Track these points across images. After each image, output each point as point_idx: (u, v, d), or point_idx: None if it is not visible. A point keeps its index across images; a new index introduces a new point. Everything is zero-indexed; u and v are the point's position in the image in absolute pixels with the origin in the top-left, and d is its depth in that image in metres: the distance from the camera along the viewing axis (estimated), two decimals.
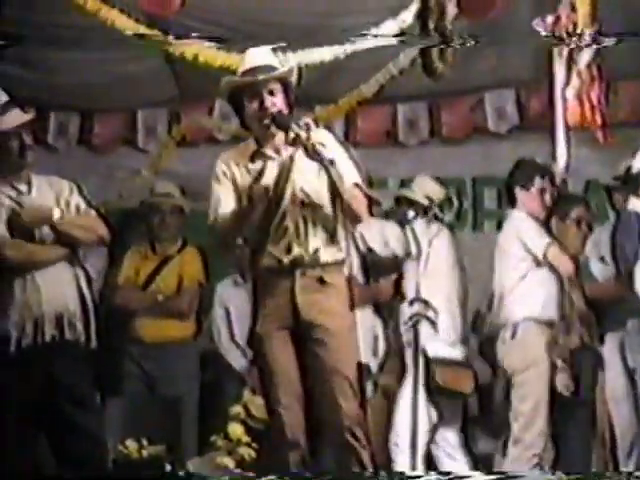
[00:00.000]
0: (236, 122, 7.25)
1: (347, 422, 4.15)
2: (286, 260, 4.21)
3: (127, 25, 5.86)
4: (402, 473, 5.58)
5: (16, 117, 4.72)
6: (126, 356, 6.53)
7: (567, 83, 5.93)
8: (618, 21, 5.81)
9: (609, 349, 5.66)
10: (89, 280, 4.94)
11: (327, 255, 4.24)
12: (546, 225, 5.85)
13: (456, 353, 6.01)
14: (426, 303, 5.96)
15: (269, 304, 4.26)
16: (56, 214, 4.73)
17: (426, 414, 5.92)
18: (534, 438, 5.65)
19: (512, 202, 5.99)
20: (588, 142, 6.11)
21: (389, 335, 6.00)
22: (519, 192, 5.85)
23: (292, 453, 4.19)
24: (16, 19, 5.96)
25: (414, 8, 5.66)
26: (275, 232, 4.23)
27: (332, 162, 4.14)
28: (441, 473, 5.64)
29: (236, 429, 6.20)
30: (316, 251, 4.22)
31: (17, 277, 4.67)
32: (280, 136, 4.27)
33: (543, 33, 5.88)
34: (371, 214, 4.73)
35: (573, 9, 5.74)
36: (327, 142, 4.25)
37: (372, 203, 4.55)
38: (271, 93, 4.27)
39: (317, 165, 4.19)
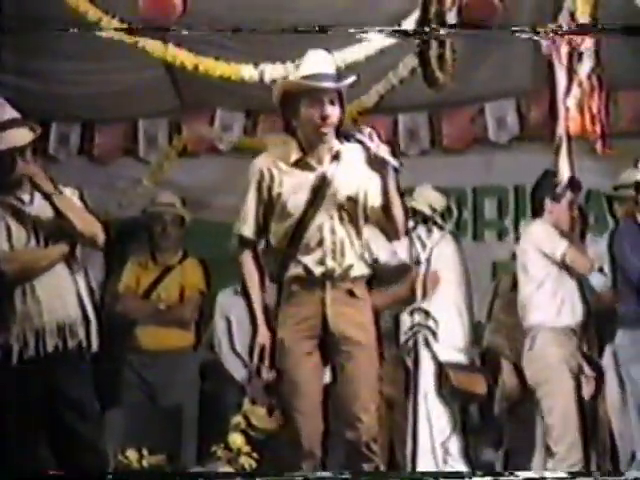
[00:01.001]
0: (237, 132, 7.48)
1: (365, 437, 4.16)
2: (317, 272, 4.20)
3: (127, 35, 5.86)
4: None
5: (24, 136, 4.70)
6: (126, 365, 6.53)
7: (568, 93, 5.93)
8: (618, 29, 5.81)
9: (606, 359, 5.67)
10: (90, 287, 4.93)
11: (357, 270, 4.25)
12: (569, 237, 5.85)
13: (462, 358, 6.01)
14: (427, 313, 5.97)
15: (296, 313, 4.23)
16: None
17: (439, 421, 5.90)
18: (567, 450, 5.60)
19: (536, 213, 5.96)
20: (588, 152, 6.11)
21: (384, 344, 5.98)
22: (549, 203, 5.83)
23: (306, 463, 4.19)
24: (16, 29, 5.96)
25: (414, 17, 5.67)
26: (309, 243, 4.21)
27: (397, 170, 4.12)
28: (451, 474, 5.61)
29: (236, 439, 6.19)
30: (350, 267, 4.22)
31: (16, 288, 4.65)
32: (328, 147, 4.22)
33: (543, 42, 5.89)
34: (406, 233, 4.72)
35: (573, 18, 5.75)
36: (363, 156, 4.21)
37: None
38: (332, 102, 4.21)
39: (367, 178, 4.18)
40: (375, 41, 5.86)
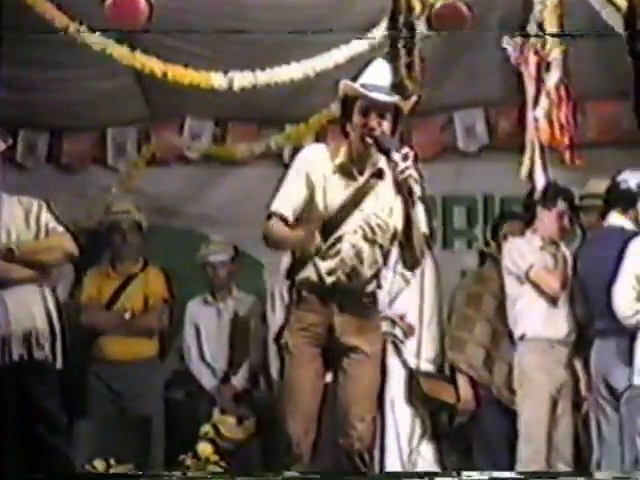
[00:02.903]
0: (206, 141, 7.48)
1: (358, 445, 4.17)
2: (328, 281, 4.20)
3: (95, 42, 5.84)
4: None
5: None
6: (93, 376, 6.49)
7: (536, 103, 5.96)
8: (585, 39, 5.86)
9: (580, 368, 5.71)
10: (57, 299, 4.92)
11: (369, 287, 4.24)
12: (556, 246, 5.87)
13: (432, 368, 6.02)
14: (393, 322, 5.98)
15: (303, 318, 4.23)
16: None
17: (409, 427, 5.91)
18: (529, 456, 5.63)
19: (528, 222, 5.96)
20: (557, 162, 6.14)
21: None
22: (541, 212, 5.85)
23: (294, 466, 4.18)
24: None
25: (383, 25, 5.68)
26: (327, 250, 4.20)
27: (423, 200, 4.12)
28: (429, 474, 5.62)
29: (205, 448, 6.18)
30: (361, 283, 4.21)
31: None
32: (372, 161, 4.20)
33: (512, 52, 5.92)
34: None
35: (541, 28, 5.78)
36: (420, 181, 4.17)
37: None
38: (381, 115, 4.18)
39: (397, 201, 4.16)
40: (344, 49, 5.86)
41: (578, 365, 5.77)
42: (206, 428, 6.35)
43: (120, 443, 6.24)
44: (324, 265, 4.20)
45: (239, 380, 6.72)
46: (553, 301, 5.73)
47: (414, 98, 4.35)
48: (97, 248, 6.78)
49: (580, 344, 5.75)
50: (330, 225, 4.19)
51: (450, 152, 7.33)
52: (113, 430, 6.34)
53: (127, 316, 6.50)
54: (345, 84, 4.27)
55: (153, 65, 6.05)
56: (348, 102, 4.24)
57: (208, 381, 6.78)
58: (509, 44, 5.92)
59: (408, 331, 5.91)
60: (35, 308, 4.77)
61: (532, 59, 5.91)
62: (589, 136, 6.71)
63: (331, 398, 4.28)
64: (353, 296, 4.23)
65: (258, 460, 6.38)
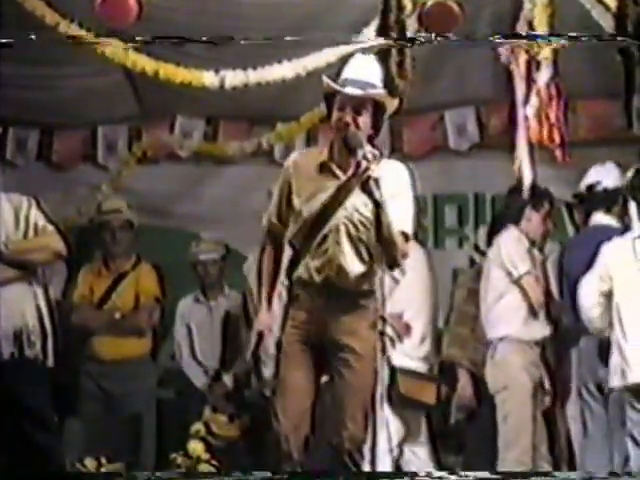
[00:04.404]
0: (197, 139, 7.47)
1: (348, 444, 4.16)
2: (318, 279, 4.19)
3: (87, 39, 5.83)
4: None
5: None
6: (84, 374, 6.48)
7: (526, 102, 5.97)
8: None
9: (567, 368, 5.72)
10: (47, 298, 4.91)
11: (358, 283, 4.21)
12: (540, 249, 5.88)
13: (421, 367, 6.02)
14: (383, 320, 5.97)
15: (296, 316, 4.23)
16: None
17: (393, 427, 5.91)
18: (517, 458, 5.63)
19: (515, 220, 5.96)
20: (547, 160, 6.15)
21: None
22: (529, 211, 5.86)
23: (284, 465, 4.18)
24: None
25: (374, 24, 5.68)
26: (315, 249, 4.20)
27: (378, 204, 4.06)
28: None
29: (196, 447, 6.18)
30: (350, 279, 4.19)
31: None
32: (354, 158, 4.12)
33: (502, 51, 5.92)
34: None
35: (531, 27, 5.79)
36: (389, 180, 4.13)
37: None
38: (357, 111, 4.15)
39: (388, 195, 4.11)
40: (335, 48, 5.86)
41: (551, 364, 5.78)
42: (197, 426, 6.34)
43: (111, 442, 6.23)
44: (314, 264, 4.19)
45: (230, 378, 6.71)
46: (534, 310, 5.75)
47: (380, 90, 4.26)
48: (89, 246, 6.78)
49: (555, 344, 5.76)
50: (316, 224, 4.19)
51: (441, 151, 7.33)
52: (104, 429, 6.34)
53: (117, 316, 6.50)
54: (325, 80, 4.24)
55: (144, 63, 6.05)
56: (328, 99, 4.23)
57: (199, 379, 6.79)
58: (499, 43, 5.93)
59: (404, 331, 5.91)
60: (26, 306, 4.76)
61: (522, 58, 5.93)
62: (579, 135, 6.72)
63: (325, 397, 4.29)
64: (344, 294, 4.21)
65: (249, 458, 6.38)
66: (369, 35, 5.69)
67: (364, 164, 4.05)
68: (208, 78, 6.10)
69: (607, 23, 5.59)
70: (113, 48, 5.96)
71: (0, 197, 4.86)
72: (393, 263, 4.24)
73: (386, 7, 5.53)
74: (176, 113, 7.35)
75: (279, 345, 4.24)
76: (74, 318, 6.49)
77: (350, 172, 4.15)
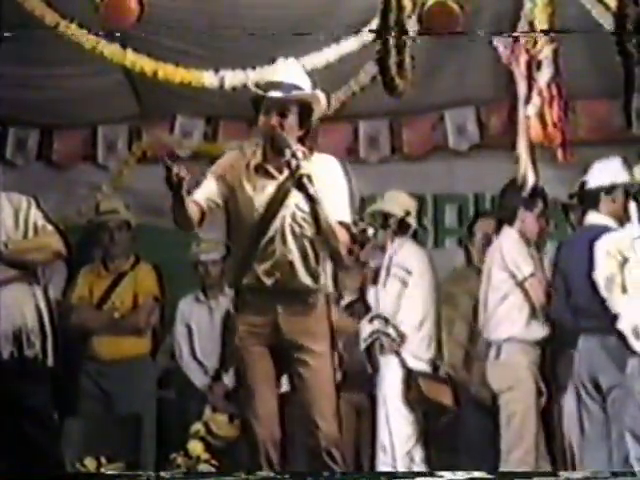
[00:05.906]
0: (197, 138, 7.46)
1: (324, 443, 4.18)
2: (268, 282, 4.23)
3: (86, 39, 5.83)
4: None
5: None
6: (83, 374, 6.49)
7: (527, 101, 5.97)
8: (576, 38, 5.87)
9: (564, 368, 5.71)
10: (47, 298, 4.91)
11: (309, 282, 4.25)
12: (536, 248, 5.88)
13: (430, 369, 6.03)
14: (386, 320, 5.98)
15: (249, 321, 4.27)
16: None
17: (400, 428, 5.91)
18: (521, 458, 5.63)
19: (510, 220, 5.96)
20: (547, 160, 6.15)
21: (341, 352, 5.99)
22: (522, 212, 5.86)
23: (265, 468, 4.20)
24: None
25: (374, 24, 5.68)
26: (262, 252, 4.23)
27: (313, 199, 4.12)
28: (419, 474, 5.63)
29: (196, 446, 6.18)
30: (300, 277, 4.23)
31: None
32: (287, 158, 4.18)
33: (502, 50, 5.92)
34: (350, 254, 4.72)
35: (532, 26, 5.79)
36: (322, 174, 4.21)
37: (356, 242, 4.51)
38: (282, 114, 4.23)
39: (325, 192, 4.17)
40: (335, 48, 5.86)
41: (549, 363, 5.79)
42: (197, 426, 6.35)
43: (111, 442, 6.23)
44: (262, 268, 4.22)
45: (230, 378, 6.71)
46: (534, 312, 5.75)
47: (316, 92, 4.34)
48: (89, 246, 6.78)
49: (555, 344, 5.76)
50: (260, 227, 4.22)
51: (441, 151, 7.33)
52: (104, 429, 6.34)
53: (116, 316, 6.51)
54: (252, 87, 4.35)
55: (144, 63, 6.05)
56: (256, 104, 4.30)
57: (199, 379, 6.78)
58: (500, 42, 5.93)
59: (400, 331, 5.92)
60: (25, 306, 4.77)
61: (523, 57, 5.92)
62: (579, 135, 6.71)
63: (292, 400, 4.31)
64: (294, 295, 4.24)
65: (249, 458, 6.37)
66: (369, 35, 5.69)
67: (294, 163, 4.13)
68: (208, 78, 6.10)
69: (607, 23, 5.59)
70: (112, 48, 5.96)
71: (0, 197, 4.86)
72: (337, 256, 4.29)
73: (386, 7, 5.52)
74: (176, 113, 7.36)
75: (236, 352, 4.29)
76: (74, 318, 6.50)
77: (286, 172, 4.22)
